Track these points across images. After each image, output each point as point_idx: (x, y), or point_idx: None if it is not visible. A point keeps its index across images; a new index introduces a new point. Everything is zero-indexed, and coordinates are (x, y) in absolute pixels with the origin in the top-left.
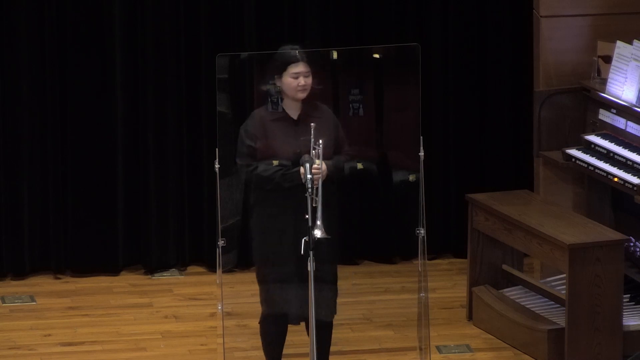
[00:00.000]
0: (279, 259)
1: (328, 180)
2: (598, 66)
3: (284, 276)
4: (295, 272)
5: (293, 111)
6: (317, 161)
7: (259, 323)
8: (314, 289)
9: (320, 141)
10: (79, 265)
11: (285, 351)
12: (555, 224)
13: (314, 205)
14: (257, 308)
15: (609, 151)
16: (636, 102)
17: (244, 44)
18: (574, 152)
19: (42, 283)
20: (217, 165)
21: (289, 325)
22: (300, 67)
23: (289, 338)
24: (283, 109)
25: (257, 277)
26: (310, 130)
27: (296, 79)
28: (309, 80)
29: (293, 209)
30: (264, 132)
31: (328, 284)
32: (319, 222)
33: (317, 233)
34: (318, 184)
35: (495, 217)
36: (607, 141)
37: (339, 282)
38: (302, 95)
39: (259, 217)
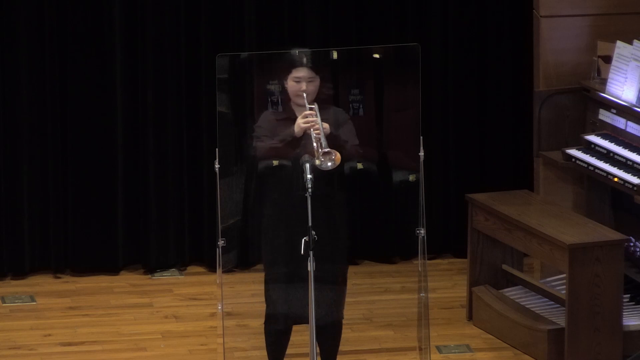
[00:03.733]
0: (286, 259)
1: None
2: (598, 66)
3: (289, 276)
4: (300, 272)
5: (299, 111)
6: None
7: (264, 323)
8: (318, 290)
9: (315, 104)
10: (79, 265)
11: (289, 351)
12: (555, 224)
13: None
14: (257, 308)
15: (609, 151)
16: (636, 102)
17: (244, 44)
18: (573, 152)
19: (42, 283)
20: (217, 165)
21: (294, 326)
22: (302, 72)
23: (293, 338)
24: (290, 109)
25: (265, 276)
26: (304, 96)
27: (298, 83)
28: (312, 86)
29: (300, 209)
30: (271, 131)
31: (331, 285)
32: (323, 151)
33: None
34: (320, 130)
35: (495, 217)
36: (607, 141)
37: None
38: (301, 100)
39: (267, 217)
